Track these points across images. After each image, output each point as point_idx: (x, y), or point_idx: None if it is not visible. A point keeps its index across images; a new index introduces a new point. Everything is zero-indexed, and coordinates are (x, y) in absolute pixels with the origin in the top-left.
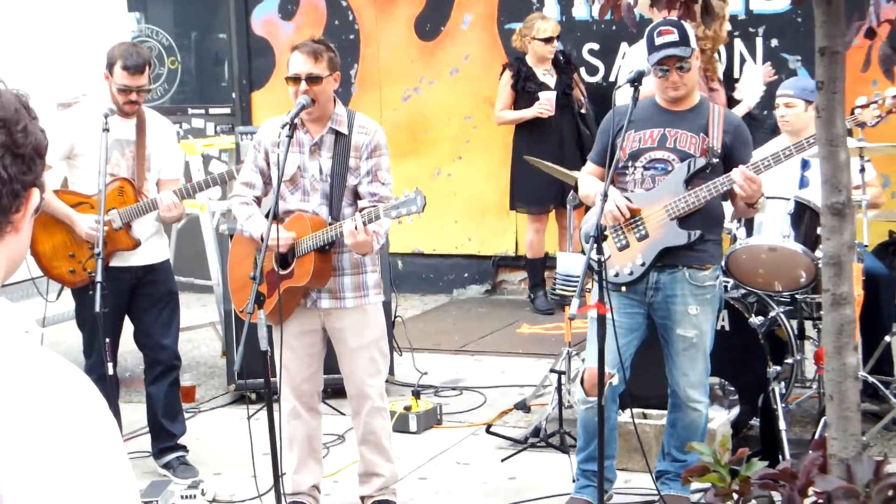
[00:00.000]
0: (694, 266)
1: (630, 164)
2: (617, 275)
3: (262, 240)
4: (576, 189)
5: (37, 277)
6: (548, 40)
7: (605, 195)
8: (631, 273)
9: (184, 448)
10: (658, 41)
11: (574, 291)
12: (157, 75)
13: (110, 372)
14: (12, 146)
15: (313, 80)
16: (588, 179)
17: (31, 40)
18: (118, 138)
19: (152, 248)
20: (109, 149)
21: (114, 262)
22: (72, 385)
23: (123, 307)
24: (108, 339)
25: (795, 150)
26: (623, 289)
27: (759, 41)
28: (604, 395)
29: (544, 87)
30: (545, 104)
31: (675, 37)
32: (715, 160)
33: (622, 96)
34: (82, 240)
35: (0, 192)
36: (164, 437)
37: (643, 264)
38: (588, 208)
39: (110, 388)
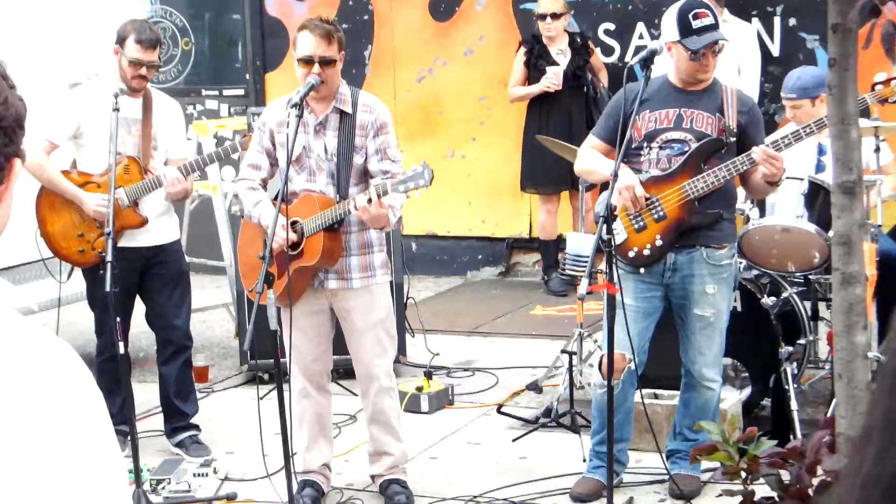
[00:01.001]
0: (711, 245)
1: (645, 144)
2: (636, 256)
3: (266, 232)
4: None
5: (47, 258)
6: (543, 17)
7: (616, 174)
8: (650, 254)
9: (196, 427)
10: (696, 24)
11: (583, 272)
12: (170, 56)
13: (121, 351)
14: None
15: (327, 62)
16: (590, 154)
17: (44, 21)
18: (124, 117)
19: (162, 229)
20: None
21: (122, 242)
22: (56, 361)
23: (133, 287)
24: (119, 319)
25: (817, 127)
26: (641, 270)
27: (776, 21)
28: (616, 380)
29: (555, 66)
30: (552, 78)
31: (711, 19)
32: (732, 139)
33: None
34: (90, 219)
35: None
36: (177, 416)
37: (662, 245)
38: (601, 188)
39: (122, 368)
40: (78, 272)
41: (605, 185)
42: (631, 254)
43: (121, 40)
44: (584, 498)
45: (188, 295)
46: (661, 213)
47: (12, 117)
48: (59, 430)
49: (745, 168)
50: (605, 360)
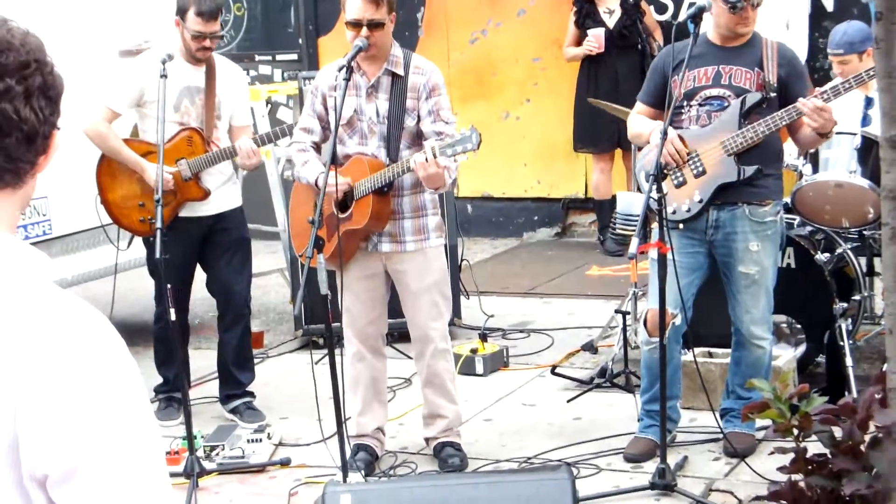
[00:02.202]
0: (754, 202)
1: (685, 102)
2: (674, 212)
3: (316, 185)
4: None
5: (106, 225)
6: None
7: (665, 133)
8: (689, 210)
9: (251, 394)
10: None
11: (634, 231)
12: (223, 22)
13: (172, 318)
14: (45, 87)
15: (375, 25)
16: (638, 119)
17: None
18: (188, 85)
19: (224, 196)
20: (179, 96)
21: (184, 213)
22: (90, 330)
23: (194, 256)
24: (169, 286)
25: (856, 82)
26: (681, 226)
27: None
28: (665, 335)
29: (602, 25)
30: (591, 41)
31: None
32: (772, 94)
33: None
34: (152, 189)
35: (36, 134)
36: (233, 384)
37: (700, 201)
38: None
39: (174, 335)
40: (138, 240)
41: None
42: (670, 209)
43: (181, 12)
44: (638, 458)
45: (249, 262)
46: (701, 169)
47: (58, 88)
48: (91, 399)
49: (785, 122)
50: (650, 316)
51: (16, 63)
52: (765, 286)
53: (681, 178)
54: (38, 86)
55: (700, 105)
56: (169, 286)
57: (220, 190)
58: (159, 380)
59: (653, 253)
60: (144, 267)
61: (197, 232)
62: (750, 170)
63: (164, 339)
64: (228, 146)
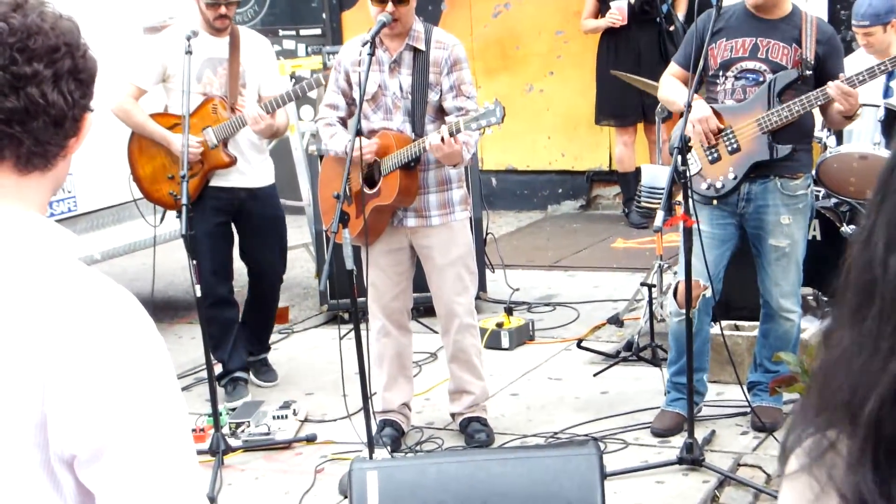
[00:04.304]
0: (786, 175)
1: (721, 73)
2: (709, 188)
3: (345, 153)
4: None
5: (138, 199)
6: None
7: (689, 105)
8: (723, 186)
9: (267, 348)
10: None
11: (659, 204)
12: None
13: (198, 294)
14: (75, 71)
15: (400, 1)
16: (671, 82)
17: None
18: (210, 57)
19: (256, 172)
20: (201, 68)
21: (214, 182)
22: (118, 309)
23: (229, 226)
24: (195, 262)
25: (891, 64)
26: (714, 202)
27: None
28: (692, 308)
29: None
30: (615, 13)
31: None
32: (808, 72)
33: None
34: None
35: (65, 117)
36: (253, 342)
37: (735, 177)
38: (677, 118)
39: (199, 310)
40: (170, 215)
41: (681, 116)
42: (704, 185)
43: None
44: (665, 433)
45: (284, 240)
46: (735, 145)
47: (90, 71)
48: (119, 379)
49: (819, 103)
50: (681, 288)
51: (45, 47)
52: (795, 259)
53: (715, 154)
54: (67, 69)
55: (736, 78)
56: (195, 262)
57: (251, 162)
58: (189, 355)
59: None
60: (170, 243)
61: (229, 202)
62: (784, 149)
63: (213, 319)
64: (243, 112)
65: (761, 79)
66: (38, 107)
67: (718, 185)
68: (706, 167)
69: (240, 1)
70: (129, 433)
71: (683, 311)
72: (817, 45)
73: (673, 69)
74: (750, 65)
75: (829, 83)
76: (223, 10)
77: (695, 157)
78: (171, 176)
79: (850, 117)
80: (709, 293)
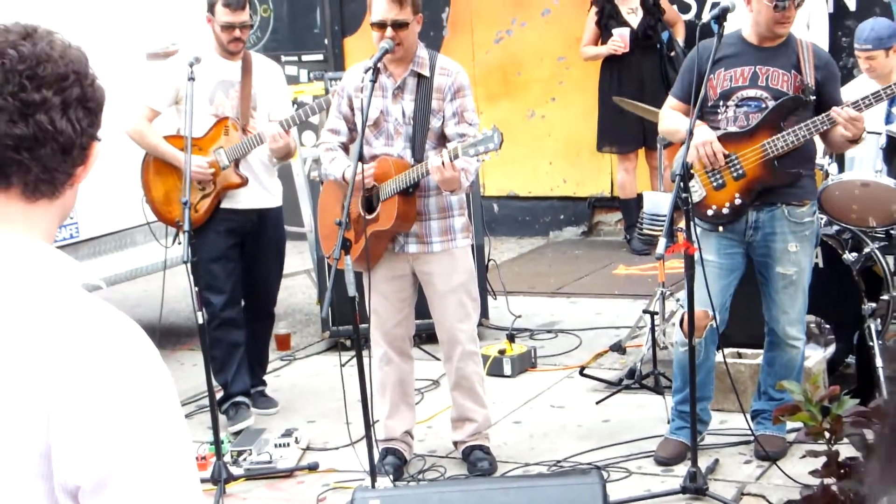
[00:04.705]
0: (792, 203)
1: (721, 103)
2: (714, 214)
3: (344, 179)
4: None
5: (152, 222)
6: None
7: (691, 132)
8: (728, 212)
9: (263, 382)
10: None
11: (661, 231)
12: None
13: (199, 321)
14: (83, 99)
15: (399, 26)
16: (673, 115)
17: None
18: (222, 79)
19: (266, 193)
20: (213, 90)
21: (225, 203)
22: (122, 338)
23: (238, 248)
24: (197, 289)
25: (886, 94)
26: (720, 228)
27: None
28: (699, 337)
29: (625, 25)
30: (617, 41)
31: None
32: (812, 97)
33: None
34: (193, 183)
35: (73, 145)
36: (250, 373)
37: (741, 204)
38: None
39: (201, 336)
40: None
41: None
42: (710, 212)
43: (210, 7)
44: (668, 461)
45: (282, 262)
46: (741, 171)
47: (98, 99)
48: (124, 409)
49: (824, 128)
50: (686, 318)
51: (54, 75)
52: (802, 287)
53: (721, 181)
54: (76, 97)
55: (737, 106)
56: (196, 288)
57: (263, 185)
58: (191, 382)
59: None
60: (171, 269)
61: (240, 224)
62: (790, 174)
63: (218, 341)
64: (260, 131)
65: (763, 105)
66: (47, 134)
67: (725, 210)
68: (711, 194)
69: (253, 25)
70: (134, 463)
71: (694, 340)
72: (815, 70)
73: (672, 103)
74: (751, 93)
75: (835, 108)
76: (237, 32)
77: (699, 183)
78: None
79: (855, 141)
80: (715, 324)
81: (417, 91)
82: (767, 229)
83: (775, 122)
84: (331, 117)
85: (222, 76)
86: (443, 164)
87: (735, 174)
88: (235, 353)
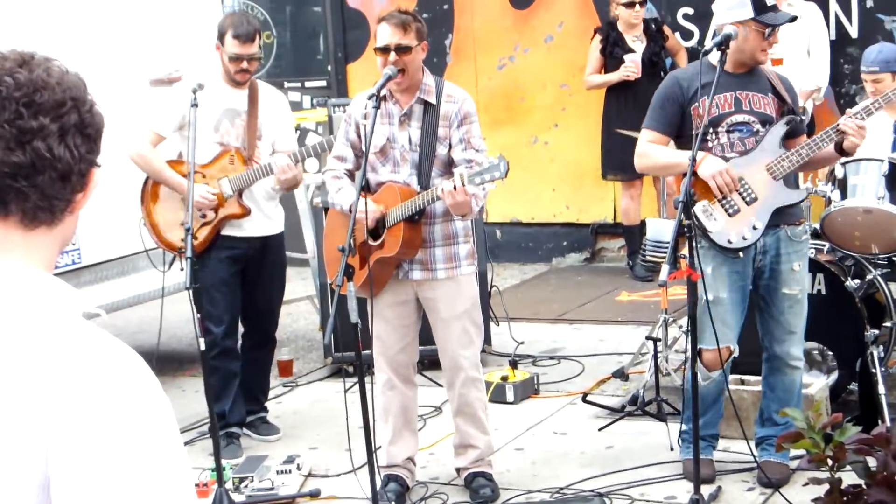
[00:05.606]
0: (792, 223)
1: (711, 130)
2: (730, 241)
3: (351, 211)
4: None
5: (151, 249)
6: (630, 4)
7: (694, 158)
8: (745, 238)
9: (265, 408)
10: (769, 1)
11: (664, 258)
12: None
13: (202, 347)
14: (81, 125)
15: (402, 50)
16: (660, 149)
17: (123, 18)
18: (228, 107)
19: (268, 221)
20: (219, 118)
21: (229, 231)
22: (122, 370)
23: (238, 276)
24: (199, 315)
25: (884, 101)
26: (741, 255)
27: (853, 2)
28: (718, 368)
29: (631, 52)
30: (630, 67)
31: None
32: (804, 117)
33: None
34: (194, 210)
35: (71, 172)
36: (251, 401)
37: (756, 228)
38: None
39: (203, 363)
40: (176, 265)
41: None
42: (731, 239)
43: (220, 36)
44: (707, 479)
45: (284, 287)
46: (753, 195)
47: (97, 125)
48: (124, 442)
49: (827, 143)
50: (710, 355)
51: (51, 101)
52: (805, 304)
53: (735, 207)
54: (73, 123)
55: (728, 132)
56: (199, 315)
57: (266, 213)
58: (192, 409)
59: (702, 293)
60: (172, 295)
61: (242, 251)
62: (802, 191)
63: (216, 370)
64: (267, 163)
65: (753, 129)
66: (45, 161)
67: (746, 236)
68: (727, 221)
69: (261, 58)
70: (132, 494)
71: (713, 373)
72: (787, 92)
73: (650, 136)
74: (739, 118)
75: (843, 119)
76: (245, 64)
77: (716, 212)
78: (186, 226)
79: (847, 153)
80: (736, 353)
81: (424, 118)
82: (773, 252)
83: (775, 143)
84: (338, 144)
85: (228, 104)
86: (454, 187)
87: (747, 199)
88: (233, 383)
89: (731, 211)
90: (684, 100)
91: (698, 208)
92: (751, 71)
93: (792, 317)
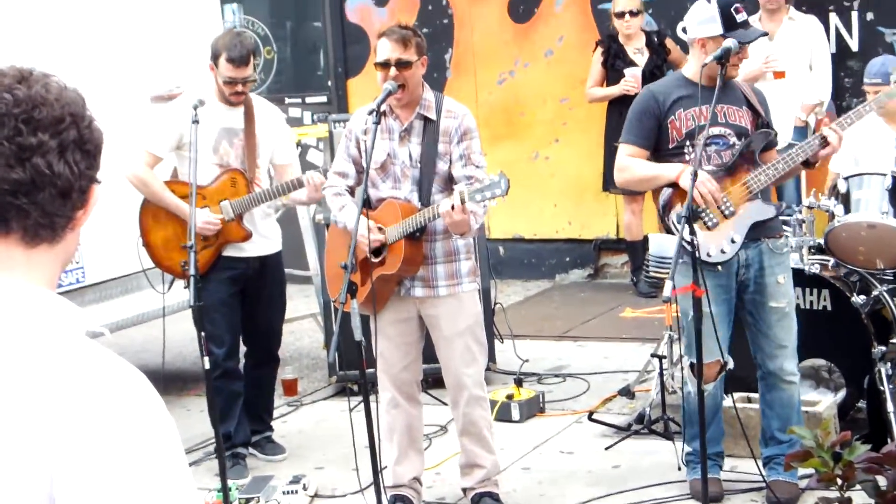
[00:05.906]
0: (772, 236)
1: (687, 143)
2: (709, 255)
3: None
4: None
5: (148, 269)
6: (621, 15)
7: (695, 174)
8: (723, 251)
9: (270, 428)
10: (739, 18)
11: (667, 273)
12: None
13: (206, 366)
14: (80, 142)
15: (403, 65)
16: (637, 163)
17: (123, 33)
18: (225, 127)
19: (266, 240)
20: (217, 139)
21: (227, 252)
22: (127, 390)
23: (239, 296)
24: (203, 334)
25: (875, 104)
26: (720, 268)
27: (854, 15)
28: (711, 381)
29: (633, 65)
30: (630, 81)
31: (745, 14)
32: (775, 131)
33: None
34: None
35: (71, 188)
36: (256, 421)
37: (734, 241)
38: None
39: (207, 382)
40: (179, 284)
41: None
42: (709, 252)
43: (214, 57)
44: (715, 498)
45: (285, 305)
46: (731, 209)
47: (96, 141)
48: (129, 463)
49: (804, 157)
50: (705, 369)
51: (50, 118)
52: (793, 318)
53: (714, 220)
54: (73, 140)
55: (706, 145)
56: (203, 334)
57: (265, 231)
58: (198, 429)
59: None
60: (178, 314)
61: (242, 272)
62: (779, 207)
63: (219, 391)
64: (293, 179)
65: (729, 142)
66: (44, 178)
67: (724, 249)
68: (706, 234)
69: (256, 80)
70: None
71: (708, 386)
72: (760, 105)
73: (630, 150)
74: (715, 130)
75: (825, 129)
76: (240, 87)
77: (695, 225)
78: (184, 245)
79: (814, 164)
80: (731, 365)
81: (424, 134)
82: (756, 266)
83: (752, 157)
84: (338, 160)
85: (225, 123)
86: (453, 207)
87: (726, 212)
88: (236, 404)
89: (710, 224)
90: (661, 113)
91: (675, 219)
92: (726, 83)
93: (780, 331)
